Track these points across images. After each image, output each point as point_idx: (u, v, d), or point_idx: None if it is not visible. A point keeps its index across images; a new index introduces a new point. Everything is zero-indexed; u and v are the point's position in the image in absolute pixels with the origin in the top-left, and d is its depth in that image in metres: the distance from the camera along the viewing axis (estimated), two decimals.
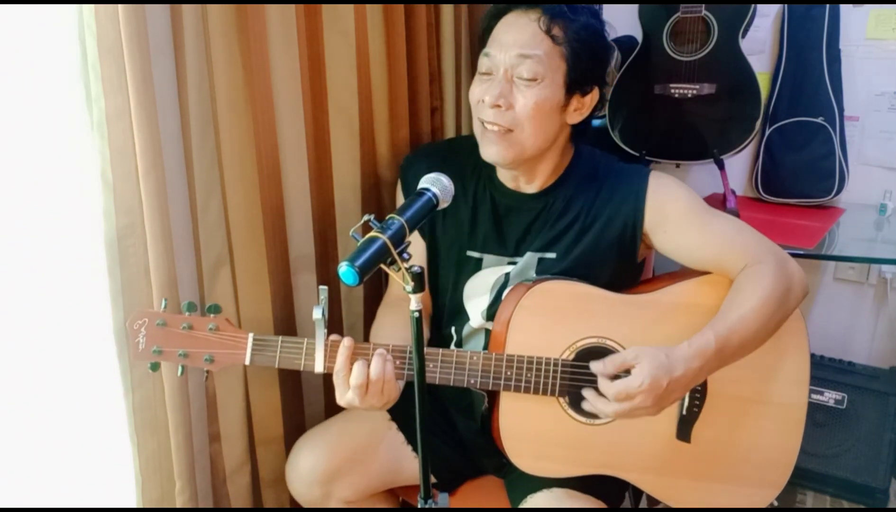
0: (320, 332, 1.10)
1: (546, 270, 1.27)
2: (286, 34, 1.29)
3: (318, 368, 1.12)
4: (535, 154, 1.24)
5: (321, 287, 1.07)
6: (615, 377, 1.09)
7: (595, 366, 1.10)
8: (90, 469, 1.25)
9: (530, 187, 1.30)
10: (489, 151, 1.23)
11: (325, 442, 1.31)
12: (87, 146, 1.12)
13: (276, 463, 1.45)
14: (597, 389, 1.10)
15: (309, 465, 1.28)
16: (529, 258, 1.28)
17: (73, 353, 1.19)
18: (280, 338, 1.14)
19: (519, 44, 1.18)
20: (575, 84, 1.21)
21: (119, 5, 1.03)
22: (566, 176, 1.30)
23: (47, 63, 1.08)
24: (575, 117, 1.25)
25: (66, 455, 1.22)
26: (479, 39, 1.29)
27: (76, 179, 1.14)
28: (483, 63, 1.23)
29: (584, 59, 1.20)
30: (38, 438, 1.19)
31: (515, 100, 1.18)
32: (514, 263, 1.29)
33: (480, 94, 1.21)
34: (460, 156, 1.34)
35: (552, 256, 1.27)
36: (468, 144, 1.31)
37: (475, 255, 1.31)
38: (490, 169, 1.32)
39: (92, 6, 1.04)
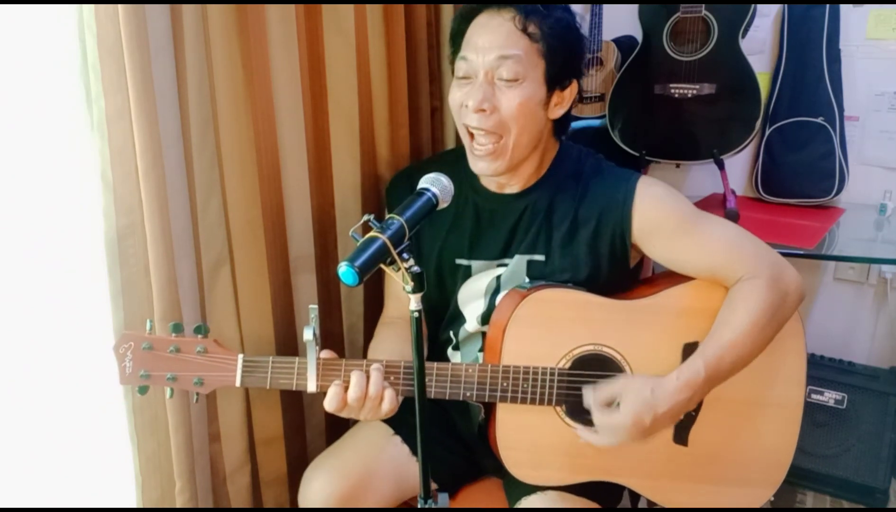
0: (312, 352, 1.08)
1: (536, 274, 1.26)
2: (286, 34, 1.29)
3: (311, 387, 1.11)
4: (525, 155, 1.23)
5: (311, 306, 1.05)
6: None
7: (586, 396, 1.13)
8: (90, 469, 1.25)
9: (513, 187, 1.29)
10: (480, 166, 1.22)
11: (334, 469, 1.28)
12: (87, 146, 1.12)
13: (276, 463, 1.45)
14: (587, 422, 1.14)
15: (321, 496, 1.25)
16: (518, 261, 1.27)
17: (73, 352, 1.19)
18: (270, 358, 1.12)
19: (496, 45, 1.16)
20: (554, 79, 1.20)
21: (119, 5, 1.03)
22: (549, 174, 1.28)
23: (47, 63, 1.08)
24: (556, 112, 1.24)
25: (66, 455, 1.22)
26: (450, 42, 1.26)
27: (76, 179, 1.14)
28: (461, 67, 1.20)
29: (562, 53, 1.19)
30: (38, 438, 1.19)
31: (499, 102, 1.17)
32: (503, 266, 1.28)
33: (462, 99, 1.19)
34: (442, 169, 1.32)
35: (541, 258, 1.26)
36: (451, 156, 1.31)
37: (464, 262, 1.30)
38: (472, 175, 1.30)
39: (92, 6, 1.04)
